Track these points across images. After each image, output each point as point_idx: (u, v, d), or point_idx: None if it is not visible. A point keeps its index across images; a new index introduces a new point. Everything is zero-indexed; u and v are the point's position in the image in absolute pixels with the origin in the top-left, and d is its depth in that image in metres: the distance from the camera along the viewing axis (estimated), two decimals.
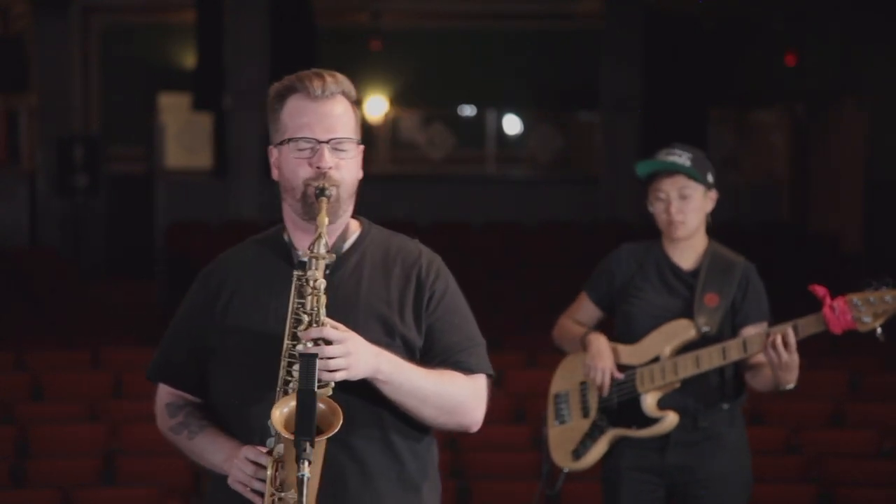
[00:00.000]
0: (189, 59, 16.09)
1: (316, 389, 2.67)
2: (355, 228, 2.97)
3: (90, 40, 16.25)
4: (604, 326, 4.60)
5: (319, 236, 2.78)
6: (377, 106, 16.82)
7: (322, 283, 2.76)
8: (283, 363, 2.78)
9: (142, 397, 7.84)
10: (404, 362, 2.83)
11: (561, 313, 4.69)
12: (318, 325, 2.74)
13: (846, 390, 8.06)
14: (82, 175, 14.53)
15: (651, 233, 4.53)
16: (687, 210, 4.39)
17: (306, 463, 2.64)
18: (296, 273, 2.79)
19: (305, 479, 2.64)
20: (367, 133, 16.91)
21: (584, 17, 16.49)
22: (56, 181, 14.71)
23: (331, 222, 2.87)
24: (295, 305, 2.78)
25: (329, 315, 2.78)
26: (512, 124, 17.69)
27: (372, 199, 2.91)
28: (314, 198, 2.84)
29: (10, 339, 9.15)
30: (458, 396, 2.89)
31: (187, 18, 15.59)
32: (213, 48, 15.05)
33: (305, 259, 2.80)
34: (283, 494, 2.73)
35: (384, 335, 2.85)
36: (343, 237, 2.94)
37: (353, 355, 2.74)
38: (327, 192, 2.83)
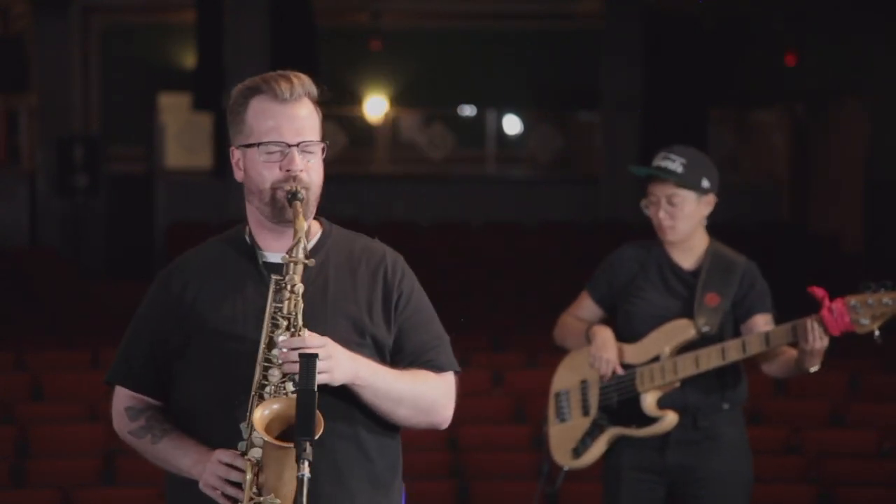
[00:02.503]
0: (189, 59, 16.08)
1: (315, 390, 2.66)
2: (316, 229, 2.95)
3: (90, 40, 16.24)
4: (606, 323, 4.60)
5: (298, 241, 2.77)
6: (377, 106, 16.82)
7: (300, 288, 2.76)
8: (259, 368, 2.76)
9: None
10: (380, 366, 2.83)
11: (561, 313, 4.69)
12: (295, 329, 2.74)
13: (846, 390, 8.06)
14: (82, 175, 14.52)
15: (651, 233, 4.54)
16: (676, 216, 4.40)
17: (306, 463, 2.63)
18: (274, 277, 2.78)
19: (306, 478, 2.63)
20: (368, 133, 17.04)
21: (584, 17, 16.49)
22: (56, 181, 14.71)
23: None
24: (272, 309, 2.77)
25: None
26: (512, 124, 17.69)
27: (372, 199, 2.90)
28: (284, 201, 2.83)
29: (10, 339, 9.15)
30: (431, 396, 2.90)
31: (187, 18, 15.59)
32: (213, 48, 15.04)
33: (282, 262, 2.78)
34: (261, 499, 2.72)
35: (354, 335, 2.85)
36: (305, 238, 2.90)
37: (334, 360, 2.74)
38: (300, 196, 2.82)
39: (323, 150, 2.92)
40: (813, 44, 15.10)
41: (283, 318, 2.76)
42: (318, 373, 2.69)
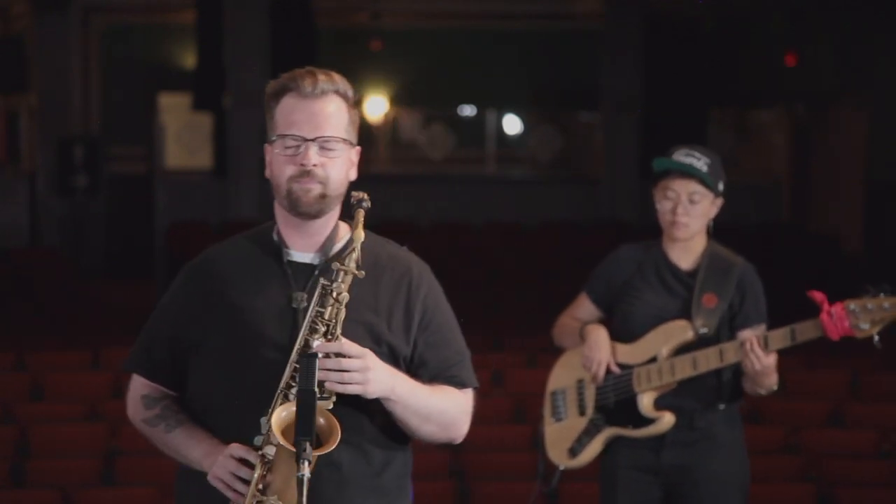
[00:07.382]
0: (189, 59, 16.08)
1: (316, 390, 2.66)
2: (345, 233, 2.93)
3: (90, 40, 16.24)
4: (604, 323, 4.59)
5: (353, 250, 2.78)
6: (377, 106, 16.82)
7: (345, 297, 2.76)
8: (290, 368, 2.75)
9: None
10: (416, 383, 2.83)
11: (561, 313, 4.70)
12: (332, 337, 2.74)
13: (845, 390, 8.06)
14: (82, 175, 14.53)
15: (651, 233, 4.53)
16: (693, 214, 4.39)
17: (306, 463, 2.63)
18: (322, 282, 2.78)
19: (305, 479, 2.62)
20: (367, 133, 17.01)
21: (584, 17, 16.49)
22: (56, 181, 14.71)
23: (314, 217, 2.87)
24: (314, 313, 2.76)
25: None
26: (512, 124, 17.69)
27: (372, 199, 2.89)
28: (298, 194, 2.83)
29: (10, 339, 9.15)
30: (453, 413, 2.92)
31: (187, 18, 15.59)
32: (213, 48, 15.04)
33: (334, 269, 2.78)
34: (264, 498, 2.70)
35: (370, 342, 2.82)
36: (332, 239, 2.91)
37: (371, 372, 2.73)
38: (364, 205, 2.83)
39: (356, 151, 2.93)
40: (813, 44, 15.10)
41: (322, 323, 2.75)
42: (350, 383, 2.71)
